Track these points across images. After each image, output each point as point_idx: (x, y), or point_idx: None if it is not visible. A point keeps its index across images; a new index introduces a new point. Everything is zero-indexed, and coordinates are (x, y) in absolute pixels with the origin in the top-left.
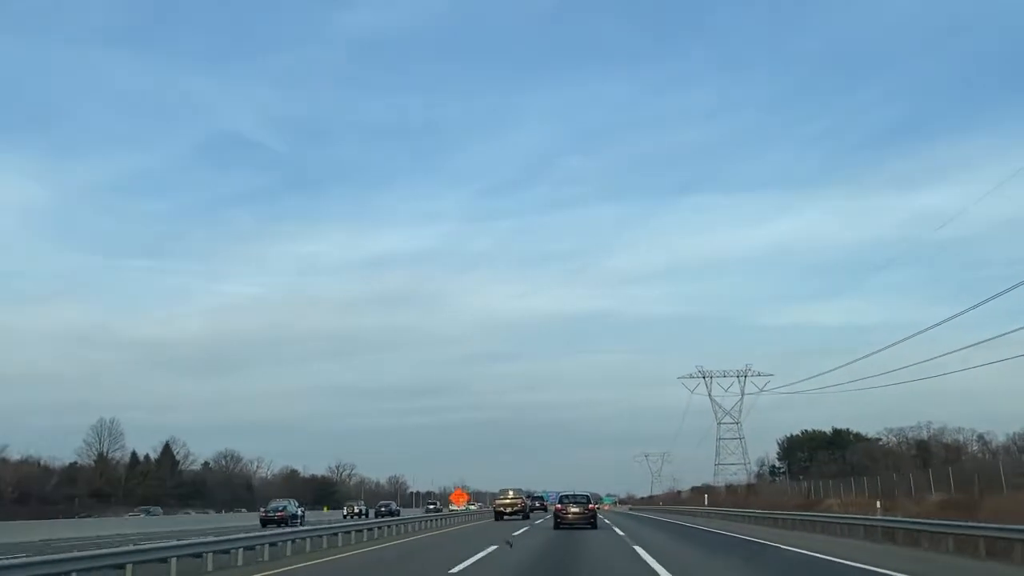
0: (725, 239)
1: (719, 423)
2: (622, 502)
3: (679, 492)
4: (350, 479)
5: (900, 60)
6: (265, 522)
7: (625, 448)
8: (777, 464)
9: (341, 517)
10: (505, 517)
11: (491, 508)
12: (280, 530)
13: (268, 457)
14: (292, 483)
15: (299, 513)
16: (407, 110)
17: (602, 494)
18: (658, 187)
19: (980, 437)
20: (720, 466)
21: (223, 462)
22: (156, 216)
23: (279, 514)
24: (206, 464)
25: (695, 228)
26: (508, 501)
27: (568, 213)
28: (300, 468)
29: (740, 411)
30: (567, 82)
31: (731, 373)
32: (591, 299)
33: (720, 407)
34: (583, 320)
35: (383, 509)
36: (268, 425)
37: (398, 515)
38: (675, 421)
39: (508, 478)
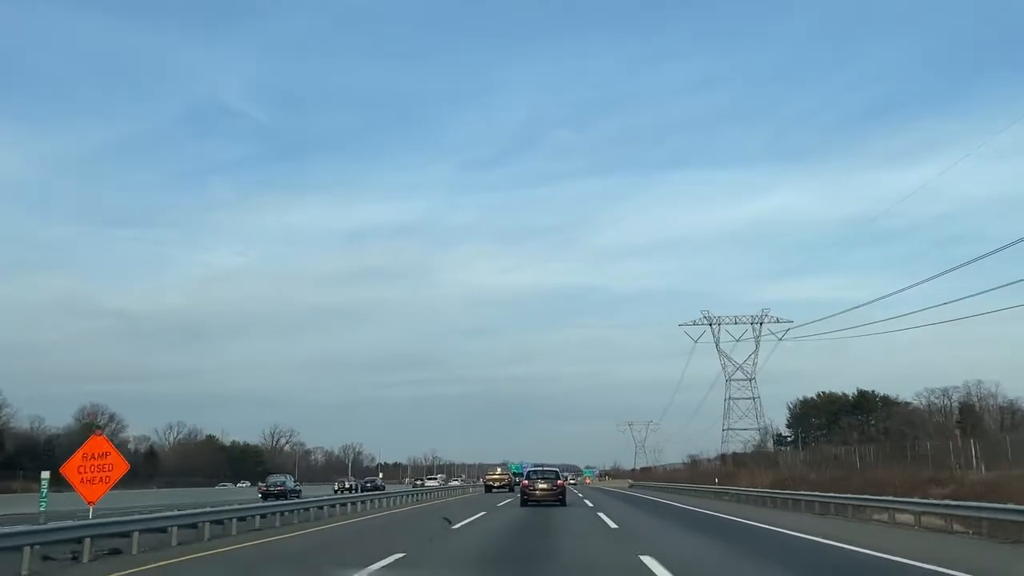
0: (710, 214)
1: (729, 380)
2: (611, 475)
3: (693, 461)
4: (290, 448)
5: (886, 37)
6: (266, 495)
7: (609, 421)
8: (784, 432)
9: (332, 492)
10: (494, 490)
11: (469, 483)
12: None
13: (189, 422)
14: (207, 451)
15: (296, 488)
16: (393, 81)
17: (581, 466)
18: (645, 161)
19: (1011, 404)
20: (730, 431)
21: (85, 420)
22: (139, 186)
23: (279, 488)
24: (93, 427)
25: (680, 203)
26: (496, 477)
27: (554, 187)
28: (219, 434)
29: (755, 364)
30: (556, 55)
31: (743, 319)
32: (575, 274)
33: (730, 360)
34: (567, 295)
35: (368, 484)
36: (235, 396)
37: (383, 490)
38: (663, 395)
39: (489, 451)
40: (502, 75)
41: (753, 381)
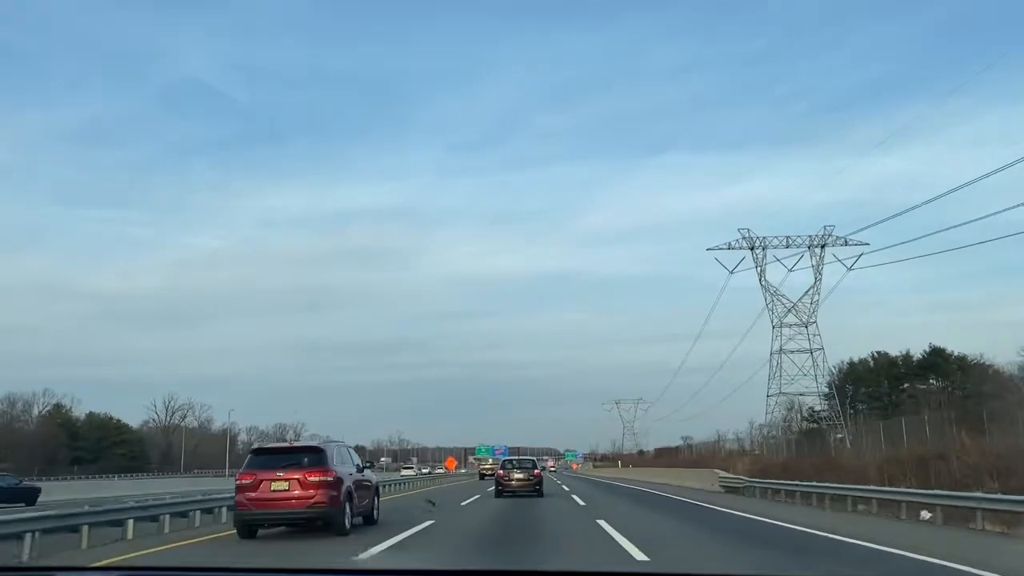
0: (696, 199)
1: (777, 325)
2: (609, 460)
3: (811, 433)
4: (199, 424)
5: (876, 19)
6: None
7: (591, 404)
8: (818, 407)
9: None
10: (485, 478)
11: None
12: None
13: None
14: (42, 428)
15: None
16: (376, 62)
17: (561, 449)
18: (630, 145)
19: None
20: (779, 396)
21: None
22: (116, 166)
23: None
24: None
25: (666, 187)
26: (488, 466)
27: (539, 171)
28: (69, 403)
29: (814, 303)
30: (541, 36)
31: (798, 240)
32: (560, 258)
33: (778, 297)
34: (551, 279)
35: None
36: (191, 380)
37: None
38: (651, 379)
39: (462, 435)
40: (486, 57)
41: (813, 327)
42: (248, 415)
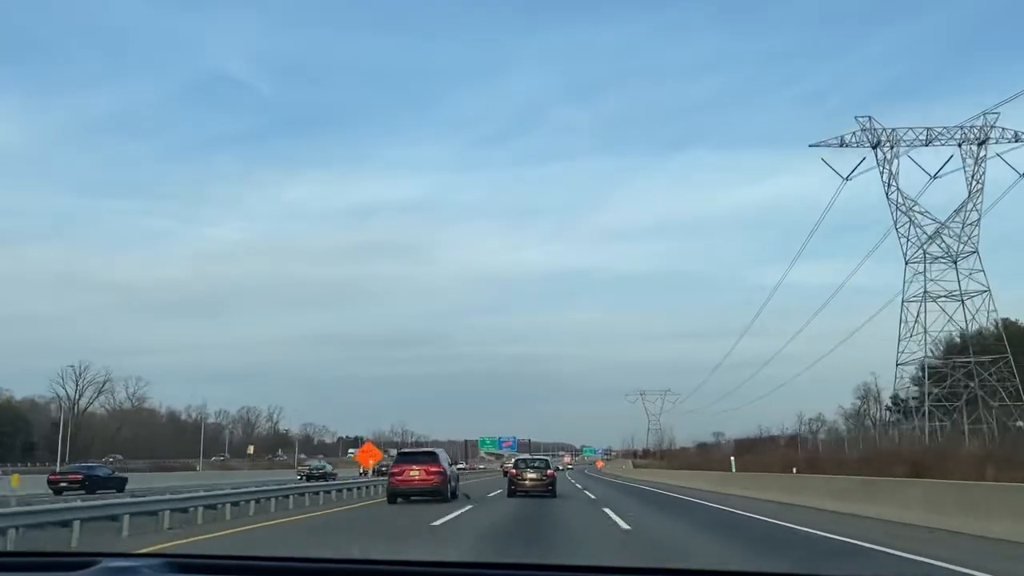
0: (718, 196)
1: (916, 258)
2: (656, 456)
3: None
4: (132, 405)
5: (900, 18)
6: (309, 477)
7: (607, 401)
8: (908, 395)
9: (357, 474)
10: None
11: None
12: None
13: None
14: None
15: (333, 471)
16: (399, 55)
17: (577, 445)
18: (653, 140)
19: None
20: (927, 359)
21: None
22: (139, 157)
23: (321, 471)
24: None
25: (688, 184)
26: (511, 465)
27: (560, 165)
28: None
29: (969, 223)
30: (564, 29)
31: (943, 135)
32: (580, 254)
33: (917, 214)
34: (571, 275)
35: (383, 469)
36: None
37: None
38: (671, 376)
39: (484, 429)
40: (509, 51)
41: (971, 259)
42: (218, 401)
